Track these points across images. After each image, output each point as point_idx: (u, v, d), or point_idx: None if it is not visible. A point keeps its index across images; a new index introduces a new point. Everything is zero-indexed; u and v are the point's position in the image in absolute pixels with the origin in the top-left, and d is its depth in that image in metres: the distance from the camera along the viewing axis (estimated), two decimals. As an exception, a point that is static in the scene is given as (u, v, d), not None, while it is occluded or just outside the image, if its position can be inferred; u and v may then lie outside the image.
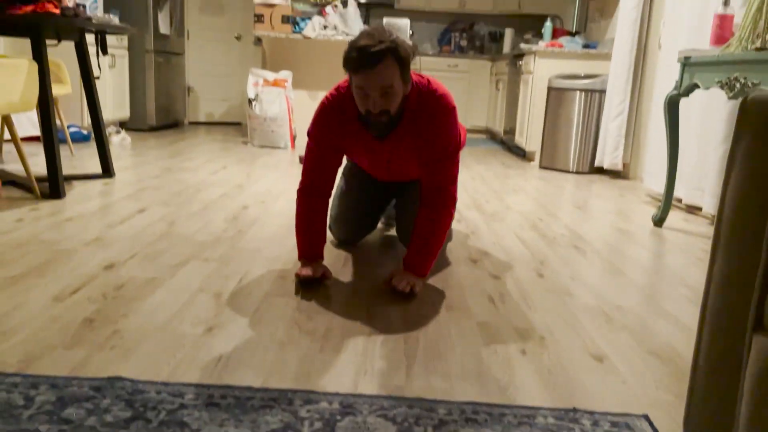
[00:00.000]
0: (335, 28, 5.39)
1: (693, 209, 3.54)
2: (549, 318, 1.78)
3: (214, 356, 1.42)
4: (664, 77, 3.93)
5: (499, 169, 4.80)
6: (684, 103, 3.34)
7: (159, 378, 1.30)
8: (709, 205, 3.30)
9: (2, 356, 1.36)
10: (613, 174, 4.81)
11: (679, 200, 3.63)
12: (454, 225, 2.84)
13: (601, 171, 4.85)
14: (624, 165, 4.66)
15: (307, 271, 1.90)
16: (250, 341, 1.51)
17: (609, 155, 4.60)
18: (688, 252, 2.63)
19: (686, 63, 2.83)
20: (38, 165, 3.65)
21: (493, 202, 3.45)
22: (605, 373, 1.45)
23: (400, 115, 1.87)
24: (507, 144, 6.21)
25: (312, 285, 1.92)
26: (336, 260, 2.21)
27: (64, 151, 4.19)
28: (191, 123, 7.26)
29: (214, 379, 1.31)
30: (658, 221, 3.07)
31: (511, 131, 5.85)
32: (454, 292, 1.95)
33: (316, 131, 1.97)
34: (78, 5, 3.51)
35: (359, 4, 5.85)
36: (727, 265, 0.86)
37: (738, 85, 2.41)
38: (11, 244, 2.17)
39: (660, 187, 3.69)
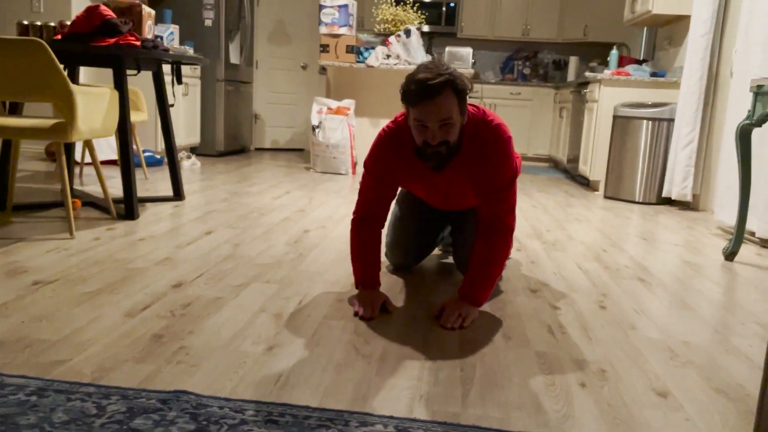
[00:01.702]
0: (398, 57, 5.49)
1: (767, 243, 3.39)
2: (610, 351, 1.74)
3: (274, 374, 1.46)
4: (737, 106, 3.80)
5: (562, 198, 4.73)
6: (758, 132, 3.22)
7: (222, 393, 1.35)
8: (785, 239, 3.16)
9: (78, 366, 1.44)
10: (682, 205, 4.65)
11: (752, 233, 3.47)
12: (514, 254, 2.81)
13: (668, 202, 4.70)
14: (694, 196, 4.51)
15: (368, 314, 1.87)
16: (308, 362, 1.54)
17: (678, 186, 4.46)
18: (761, 287, 2.52)
19: (759, 92, 2.74)
20: (115, 187, 3.86)
21: (554, 232, 3.40)
22: (669, 409, 1.40)
23: (457, 147, 1.88)
24: (570, 173, 6.11)
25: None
26: (392, 286, 2.23)
27: (138, 175, 4.41)
28: (257, 149, 7.49)
29: (273, 397, 1.35)
30: (729, 255, 2.95)
31: (574, 160, 5.76)
32: (513, 321, 1.93)
33: (372, 163, 1.99)
34: (156, 37, 3.72)
35: (422, 34, 5.94)
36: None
37: (815, 114, 2.31)
38: (89, 262, 2.29)
39: (731, 220, 3.55)
